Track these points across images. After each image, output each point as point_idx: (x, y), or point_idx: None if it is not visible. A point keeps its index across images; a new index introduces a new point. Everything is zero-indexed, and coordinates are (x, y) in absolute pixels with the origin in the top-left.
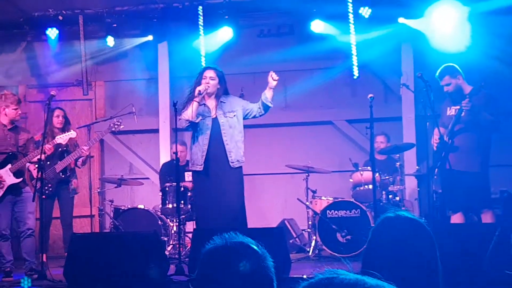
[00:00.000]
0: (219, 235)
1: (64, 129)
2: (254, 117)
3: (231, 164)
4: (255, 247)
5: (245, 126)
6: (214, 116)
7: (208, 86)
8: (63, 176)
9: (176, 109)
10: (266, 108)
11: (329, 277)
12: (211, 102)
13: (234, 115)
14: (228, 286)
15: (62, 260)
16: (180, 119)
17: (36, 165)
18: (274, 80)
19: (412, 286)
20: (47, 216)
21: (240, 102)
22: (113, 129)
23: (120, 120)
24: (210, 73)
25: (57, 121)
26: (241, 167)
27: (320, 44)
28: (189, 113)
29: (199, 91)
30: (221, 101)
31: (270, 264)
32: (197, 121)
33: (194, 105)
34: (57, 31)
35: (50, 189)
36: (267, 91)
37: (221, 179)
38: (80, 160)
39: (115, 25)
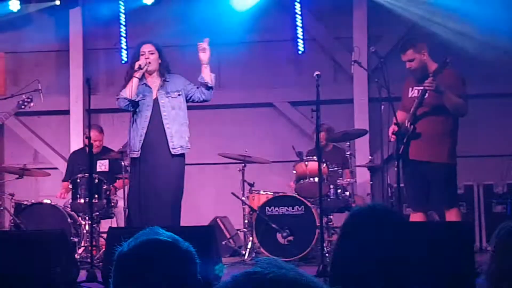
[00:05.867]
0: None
1: None
2: (194, 100)
3: (172, 150)
4: (180, 246)
5: None
6: (155, 97)
7: (149, 62)
8: None
9: (90, 87)
10: (207, 89)
11: (252, 271)
12: (153, 81)
13: (179, 95)
14: None
15: None
16: (118, 97)
17: None
18: (202, 51)
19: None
20: None
21: (185, 82)
22: (23, 107)
23: (30, 96)
24: (148, 47)
25: None
26: (183, 154)
27: (260, 13)
28: (128, 90)
29: (139, 65)
30: (164, 80)
31: (194, 267)
32: (137, 100)
33: (134, 81)
34: None
35: None
36: (202, 69)
37: (159, 168)
38: None
39: None
